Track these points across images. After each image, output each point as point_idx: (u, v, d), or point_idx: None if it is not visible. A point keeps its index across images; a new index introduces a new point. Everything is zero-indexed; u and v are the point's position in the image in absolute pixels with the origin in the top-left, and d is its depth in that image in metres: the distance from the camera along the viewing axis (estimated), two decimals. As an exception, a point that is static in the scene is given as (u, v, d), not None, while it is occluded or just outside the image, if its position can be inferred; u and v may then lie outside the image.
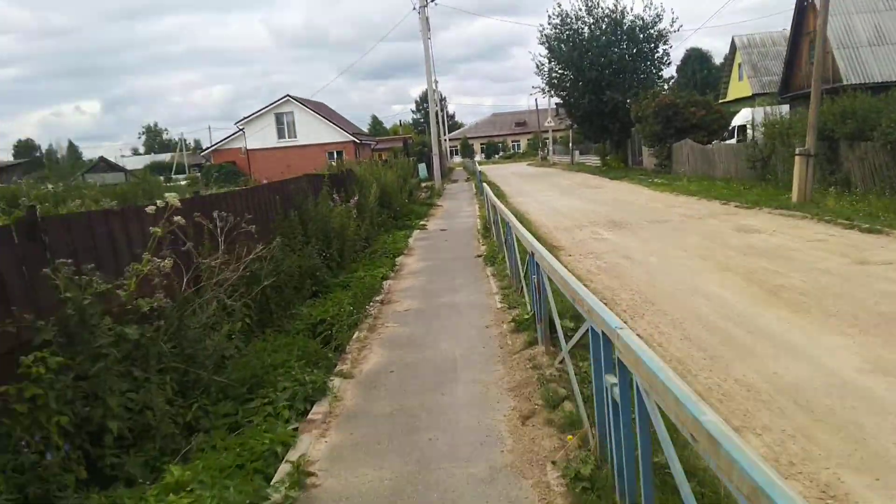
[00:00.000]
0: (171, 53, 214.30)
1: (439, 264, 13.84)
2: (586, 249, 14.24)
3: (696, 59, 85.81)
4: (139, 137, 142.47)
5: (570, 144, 57.95)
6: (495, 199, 14.83)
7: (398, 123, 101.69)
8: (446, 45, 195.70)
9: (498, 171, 57.43)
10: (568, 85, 44.24)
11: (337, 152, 54.72)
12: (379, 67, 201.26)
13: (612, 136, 43.90)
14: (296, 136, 54.29)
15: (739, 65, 53.28)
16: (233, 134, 56.60)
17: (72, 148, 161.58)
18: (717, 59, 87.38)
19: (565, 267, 6.81)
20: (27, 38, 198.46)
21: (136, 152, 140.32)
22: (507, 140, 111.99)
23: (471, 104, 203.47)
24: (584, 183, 35.06)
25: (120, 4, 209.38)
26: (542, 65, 44.72)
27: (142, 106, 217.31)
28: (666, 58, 43.22)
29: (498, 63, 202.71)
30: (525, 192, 31.99)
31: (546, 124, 63.74)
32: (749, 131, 37.71)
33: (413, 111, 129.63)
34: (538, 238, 9.60)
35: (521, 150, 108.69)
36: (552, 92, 46.04)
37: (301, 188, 12.79)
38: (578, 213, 21.49)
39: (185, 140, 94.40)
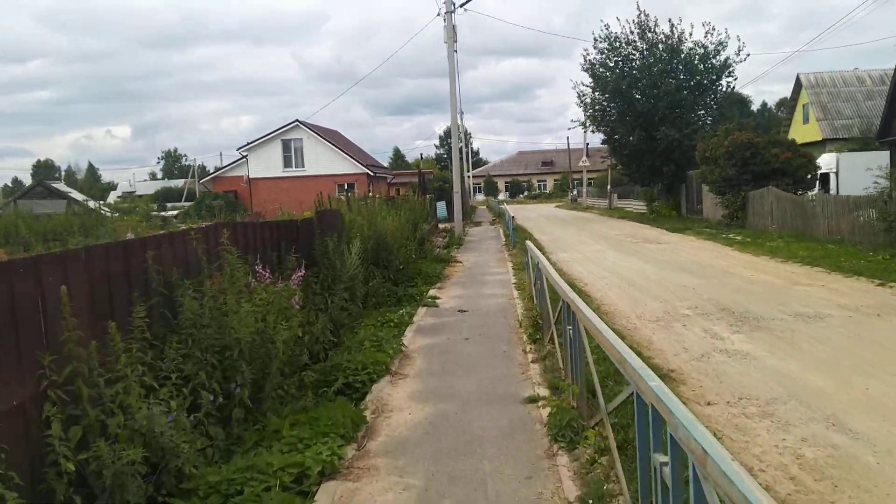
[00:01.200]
0: (204, 82, 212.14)
1: (452, 422, 6.63)
2: (733, 391, 7.35)
3: (733, 104, 79.29)
4: (157, 162, 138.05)
5: (609, 186, 51.21)
6: (561, 283, 7.90)
7: (419, 157, 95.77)
8: (472, 84, 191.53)
9: (525, 213, 50.80)
10: (614, 119, 37.67)
11: (348, 185, 48.48)
12: (404, 103, 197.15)
13: (664, 179, 37.06)
14: (303, 166, 48.18)
15: (804, 106, 46.63)
16: (236, 161, 50.70)
17: (91, 170, 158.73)
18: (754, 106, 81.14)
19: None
20: (63, 62, 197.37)
21: (153, 177, 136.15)
22: (532, 179, 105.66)
23: (495, 142, 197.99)
24: (636, 234, 28.22)
25: (156, 32, 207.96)
26: (584, 95, 38.28)
27: (172, 132, 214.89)
28: (728, 92, 36.54)
29: (523, 103, 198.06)
30: (566, 243, 25.26)
31: (580, 164, 57.15)
32: (833, 180, 31.03)
33: (437, 146, 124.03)
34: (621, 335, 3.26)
35: (548, 191, 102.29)
36: (594, 126, 39.43)
37: (182, 251, 6.12)
38: (657, 285, 14.67)
39: (199, 166, 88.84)
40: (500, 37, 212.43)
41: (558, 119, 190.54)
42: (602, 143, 42.43)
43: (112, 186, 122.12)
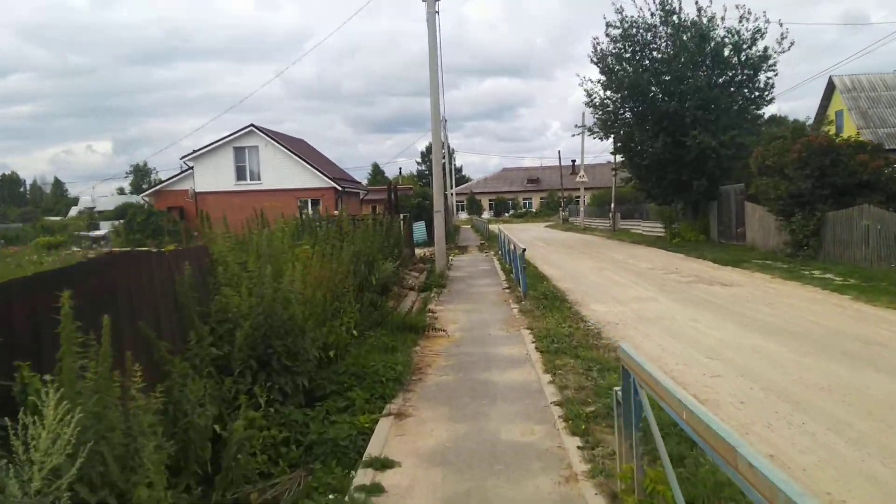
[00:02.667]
0: (186, 98, 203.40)
1: None
2: None
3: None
4: (126, 176, 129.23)
5: (612, 205, 43.77)
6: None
7: (399, 172, 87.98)
8: (455, 102, 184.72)
9: (517, 235, 43.22)
10: (630, 122, 30.31)
11: (312, 200, 40.75)
12: (387, 121, 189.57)
13: (692, 195, 29.64)
14: (259, 179, 40.33)
15: (838, 112, 39.61)
16: (181, 172, 42.79)
17: (57, 185, 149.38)
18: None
19: None
20: (45, 77, 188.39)
21: (121, 192, 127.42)
22: (517, 197, 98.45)
23: (477, 161, 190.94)
24: (678, 268, 20.70)
25: (139, 48, 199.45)
26: (593, 93, 30.87)
27: (153, 148, 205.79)
28: (769, 89, 29.28)
29: (505, 122, 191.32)
30: (591, 284, 17.66)
31: (577, 179, 49.72)
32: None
33: (418, 162, 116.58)
34: None
35: (534, 209, 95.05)
36: (604, 132, 31.98)
37: None
38: (835, 400, 7.06)
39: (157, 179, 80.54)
40: (482, 56, 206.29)
41: (540, 138, 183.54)
42: (613, 153, 34.96)
43: (74, 202, 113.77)
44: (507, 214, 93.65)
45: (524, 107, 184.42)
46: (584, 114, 50.62)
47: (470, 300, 14.77)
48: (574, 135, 34.01)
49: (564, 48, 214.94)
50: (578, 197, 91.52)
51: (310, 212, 42.16)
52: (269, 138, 39.91)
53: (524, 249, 14.06)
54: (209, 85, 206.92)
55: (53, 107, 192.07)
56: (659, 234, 35.22)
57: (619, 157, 33.41)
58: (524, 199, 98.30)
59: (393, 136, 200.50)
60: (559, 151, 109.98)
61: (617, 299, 14.75)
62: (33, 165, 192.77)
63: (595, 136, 32.85)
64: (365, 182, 70.15)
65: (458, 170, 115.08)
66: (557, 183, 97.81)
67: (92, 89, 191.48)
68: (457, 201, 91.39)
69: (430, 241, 34.19)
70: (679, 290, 16.06)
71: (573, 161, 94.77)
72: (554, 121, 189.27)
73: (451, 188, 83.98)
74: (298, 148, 42.81)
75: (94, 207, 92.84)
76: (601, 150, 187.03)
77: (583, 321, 11.97)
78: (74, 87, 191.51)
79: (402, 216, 24.76)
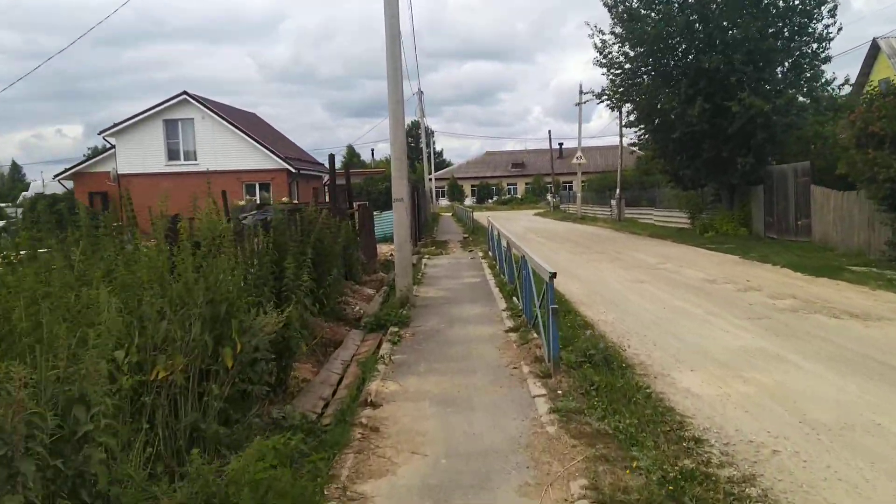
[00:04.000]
0: (157, 81, 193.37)
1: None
2: None
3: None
4: (86, 160, 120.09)
5: (618, 191, 37.09)
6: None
7: (371, 156, 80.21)
8: (435, 85, 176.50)
9: (506, 225, 36.67)
10: (654, 84, 23.62)
11: (260, 184, 33.78)
12: (365, 105, 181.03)
13: (734, 176, 23.04)
14: (195, 158, 33.18)
15: (883, 81, 33.21)
16: (105, 151, 35.50)
17: (15, 168, 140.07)
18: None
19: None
20: (15, 59, 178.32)
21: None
22: (501, 182, 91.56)
23: (458, 146, 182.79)
24: (748, 280, 14.11)
25: (109, 31, 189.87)
26: (607, 48, 24.13)
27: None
28: (826, 40, 22.65)
29: (486, 107, 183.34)
30: (641, 315, 10.97)
31: (574, 160, 42.91)
32: None
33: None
34: None
35: (519, 195, 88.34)
36: (620, 98, 25.25)
37: None
38: None
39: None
40: (462, 39, 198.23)
41: (521, 123, 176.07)
42: (628, 125, 28.18)
43: (26, 187, 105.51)
44: (490, 201, 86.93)
45: (505, 91, 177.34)
46: (580, 85, 44.12)
47: (450, 367, 7.88)
48: (578, 103, 27.36)
49: (545, 32, 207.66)
50: (567, 182, 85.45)
51: (257, 197, 35.21)
52: (206, 109, 32.74)
53: (553, 275, 7.26)
54: (180, 66, 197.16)
55: (23, 90, 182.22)
56: (681, 226, 28.66)
57: (635, 132, 26.66)
58: (509, 185, 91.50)
59: (372, 121, 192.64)
60: (549, 131, 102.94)
61: (711, 356, 8.07)
62: (3, 150, 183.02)
63: (606, 103, 26.09)
64: (339, 166, 62.84)
65: (439, 154, 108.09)
66: (543, 167, 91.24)
67: (62, 72, 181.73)
68: (437, 187, 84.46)
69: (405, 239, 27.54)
70: (797, 329, 9.45)
71: (560, 144, 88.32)
72: (536, 105, 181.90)
73: (431, 173, 77.14)
74: (245, 122, 35.65)
75: (42, 192, 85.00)
76: (598, 131, 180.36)
77: (699, 446, 5.27)
78: (43, 70, 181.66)
79: (356, 207, 18.03)
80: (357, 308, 11.70)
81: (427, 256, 20.44)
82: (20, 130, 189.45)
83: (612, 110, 27.48)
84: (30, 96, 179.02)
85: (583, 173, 51.48)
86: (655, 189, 37.21)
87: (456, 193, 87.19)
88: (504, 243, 14.65)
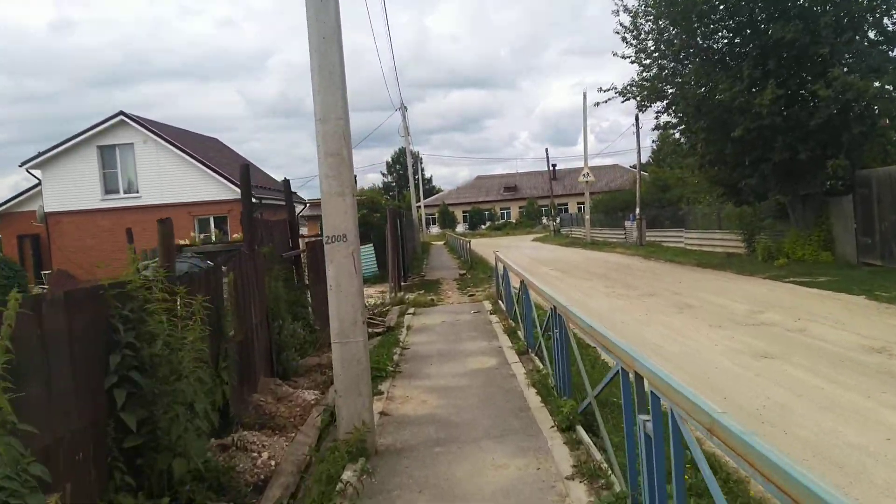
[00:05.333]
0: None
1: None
2: None
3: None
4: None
5: (638, 210, 31.12)
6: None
7: (353, 180, 74.25)
8: (421, 114, 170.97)
9: (507, 255, 30.70)
10: (703, 65, 17.81)
11: (216, 218, 27.77)
12: (353, 137, 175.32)
13: (817, 184, 17.19)
14: (137, 191, 27.14)
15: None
16: (32, 187, 29.43)
17: None
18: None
19: None
20: (3, 104, 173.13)
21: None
22: (494, 207, 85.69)
23: (447, 173, 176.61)
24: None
25: (99, 71, 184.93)
26: (639, 19, 18.43)
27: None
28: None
29: (472, 134, 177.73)
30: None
31: (582, 178, 36.95)
32: None
33: (383, 173, 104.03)
34: None
35: (513, 220, 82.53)
36: (656, 91, 19.43)
37: None
38: None
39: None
40: (446, 68, 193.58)
41: (508, 149, 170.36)
42: (666, 128, 21.93)
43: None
44: (483, 227, 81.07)
45: (491, 118, 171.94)
46: (584, 94, 38.48)
47: None
48: (598, 103, 21.84)
49: (528, 59, 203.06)
50: (562, 205, 79.65)
51: (212, 234, 29.15)
52: (148, 132, 26.77)
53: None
54: (173, 106, 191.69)
55: (14, 133, 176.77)
56: (729, 250, 22.74)
57: (676, 133, 20.71)
58: (502, 209, 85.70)
59: (360, 152, 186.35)
60: (546, 149, 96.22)
61: None
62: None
63: (633, 100, 20.27)
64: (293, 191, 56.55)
65: (428, 180, 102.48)
66: (537, 190, 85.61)
67: (52, 114, 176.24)
68: (427, 214, 78.66)
69: (381, 273, 21.45)
70: None
71: (554, 166, 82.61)
72: (522, 131, 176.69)
73: (420, 200, 71.41)
74: (200, 147, 29.68)
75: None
76: (599, 151, 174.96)
77: None
78: (34, 113, 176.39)
79: (302, 247, 12.15)
80: (262, 459, 5.61)
81: (412, 309, 14.36)
82: (13, 174, 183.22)
83: (640, 110, 21.62)
84: (21, 139, 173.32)
85: (599, 193, 45.56)
86: (678, 207, 31.40)
87: (447, 220, 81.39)
88: (515, 291, 8.63)
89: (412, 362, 9.19)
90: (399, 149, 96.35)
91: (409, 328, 11.99)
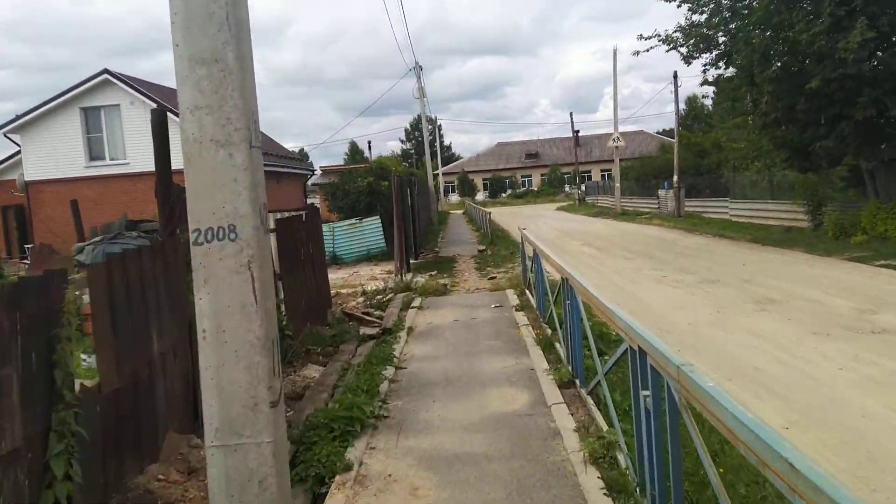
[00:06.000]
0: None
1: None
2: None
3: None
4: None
5: (676, 177, 27.84)
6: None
7: (368, 147, 70.55)
8: (441, 82, 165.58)
9: (533, 226, 27.86)
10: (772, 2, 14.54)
11: (210, 190, 24.88)
12: (374, 104, 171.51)
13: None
14: (125, 157, 24.48)
15: None
16: (14, 154, 26.88)
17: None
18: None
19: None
20: (26, 73, 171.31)
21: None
22: (515, 175, 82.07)
23: (467, 141, 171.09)
24: None
25: (120, 42, 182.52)
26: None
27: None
28: None
29: (492, 102, 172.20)
30: None
31: (611, 143, 33.66)
32: None
33: (402, 140, 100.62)
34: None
35: (535, 188, 79.02)
36: (707, 37, 16.22)
37: None
38: None
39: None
40: (466, 36, 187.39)
41: (527, 117, 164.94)
42: (718, 85, 18.53)
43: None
44: (503, 195, 77.78)
45: (510, 86, 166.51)
46: (615, 49, 34.66)
47: None
48: (638, 52, 18.81)
49: (549, 26, 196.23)
50: (586, 172, 75.98)
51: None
52: (135, 92, 24.01)
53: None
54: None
55: (34, 103, 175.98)
56: (787, 223, 19.63)
57: (742, 87, 17.41)
58: (523, 177, 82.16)
59: (381, 120, 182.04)
60: (571, 113, 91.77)
61: None
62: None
63: (679, 49, 17.11)
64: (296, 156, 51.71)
65: (447, 147, 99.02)
66: (560, 157, 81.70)
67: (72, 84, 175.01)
68: (445, 181, 75.39)
69: (390, 248, 18.60)
70: None
71: (577, 132, 78.56)
72: (542, 98, 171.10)
73: (437, 167, 68.01)
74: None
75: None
76: (622, 118, 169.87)
77: None
78: (56, 83, 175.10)
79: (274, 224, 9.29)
80: None
81: (419, 300, 11.53)
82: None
83: (686, 62, 18.32)
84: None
85: (610, 161, 42.12)
86: (718, 174, 28.22)
87: (467, 188, 78.16)
88: (579, 302, 5.79)
89: (407, 396, 6.39)
90: (418, 115, 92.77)
91: (410, 331, 9.19)
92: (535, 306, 9.62)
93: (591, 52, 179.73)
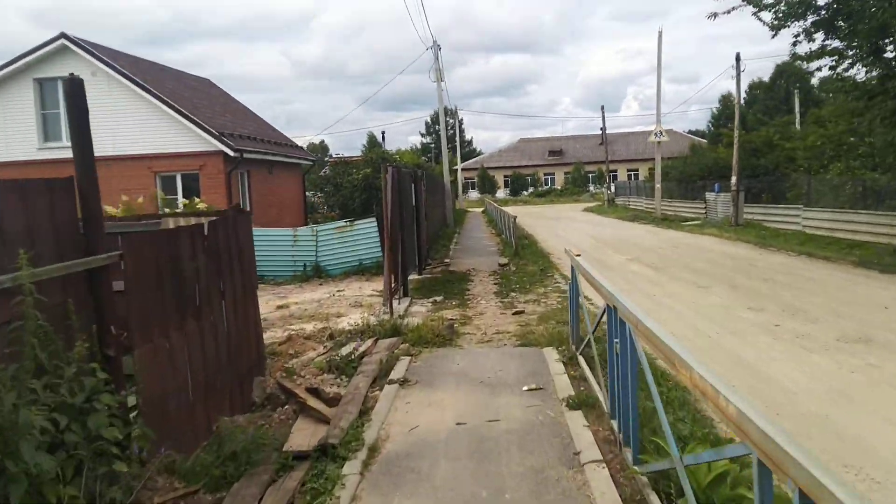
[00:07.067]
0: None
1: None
2: None
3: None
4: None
5: (735, 178, 23.14)
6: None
7: (381, 137, 66.11)
8: (463, 79, 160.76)
9: (556, 230, 23.45)
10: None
11: (183, 175, 20.95)
12: (395, 98, 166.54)
13: None
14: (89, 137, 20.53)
15: None
16: (-33, 130, 23.10)
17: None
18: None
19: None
20: None
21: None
22: (538, 172, 77.39)
23: (488, 138, 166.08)
24: None
25: (146, 32, 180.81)
26: None
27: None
28: None
29: (514, 99, 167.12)
30: None
31: (652, 138, 29.09)
32: None
33: (422, 133, 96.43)
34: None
35: (558, 186, 74.35)
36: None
37: None
38: None
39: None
40: (489, 33, 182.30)
41: (549, 115, 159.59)
42: (821, 56, 14.19)
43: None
44: (525, 193, 73.28)
45: (533, 83, 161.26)
46: (660, 32, 30.02)
47: None
48: (715, 15, 14.75)
49: (572, 24, 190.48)
50: (612, 171, 71.11)
51: (179, 195, 22.39)
52: (98, 61, 19.98)
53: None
54: (219, 66, 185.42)
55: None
56: (883, 238, 15.09)
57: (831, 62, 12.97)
58: (545, 175, 77.50)
59: (402, 114, 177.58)
60: (602, 107, 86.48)
61: None
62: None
63: (769, 12, 12.71)
64: (298, 146, 47.83)
65: (468, 142, 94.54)
66: (584, 155, 76.91)
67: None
68: (465, 178, 71.01)
69: (383, 257, 14.34)
70: None
71: (603, 129, 73.80)
72: (564, 97, 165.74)
73: (458, 164, 63.71)
74: (166, 84, 22.84)
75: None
76: (640, 117, 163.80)
77: None
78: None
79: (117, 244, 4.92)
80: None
81: (407, 361, 7.29)
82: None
83: (773, 31, 13.87)
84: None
85: (641, 160, 37.41)
86: (782, 175, 23.70)
87: (487, 185, 73.81)
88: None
89: None
90: (435, 112, 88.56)
91: (371, 455, 4.84)
92: (604, 404, 5.28)
93: (615, 51, 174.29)
